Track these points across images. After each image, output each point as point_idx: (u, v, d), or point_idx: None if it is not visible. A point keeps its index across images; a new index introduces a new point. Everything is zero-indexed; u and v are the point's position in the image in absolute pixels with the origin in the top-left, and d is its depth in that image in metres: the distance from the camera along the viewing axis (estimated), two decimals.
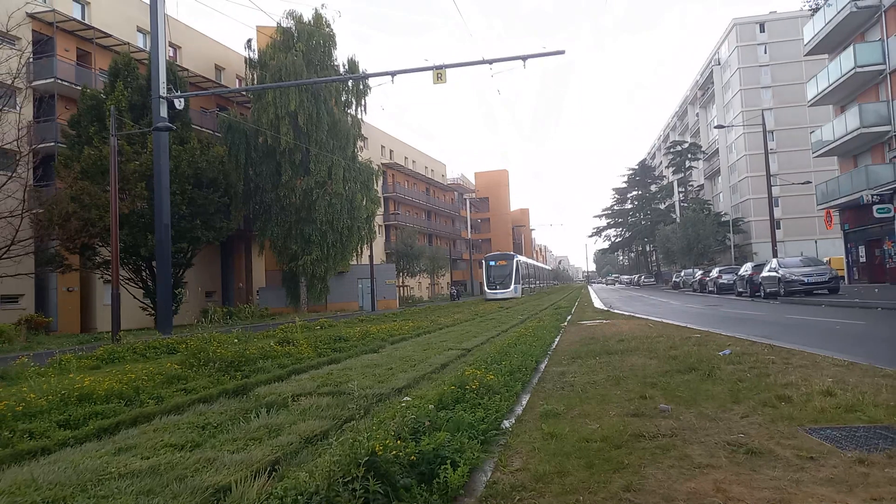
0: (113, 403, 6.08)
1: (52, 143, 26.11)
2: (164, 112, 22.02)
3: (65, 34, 28.39)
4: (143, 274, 26.51)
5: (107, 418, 5.51)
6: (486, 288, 47.94)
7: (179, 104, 23.65)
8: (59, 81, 27.17)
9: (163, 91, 22.10)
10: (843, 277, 32.33)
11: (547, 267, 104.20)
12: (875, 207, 28.25)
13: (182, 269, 27.85)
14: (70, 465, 4.00)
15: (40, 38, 27.14)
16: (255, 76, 35.21)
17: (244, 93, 37.33)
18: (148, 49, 27.79)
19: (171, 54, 32.74)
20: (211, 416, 5.54)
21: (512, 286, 46.33)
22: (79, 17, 29.19)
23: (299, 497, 2.94)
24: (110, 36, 29.57)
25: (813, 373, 6.19)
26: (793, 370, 6.40)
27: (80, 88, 26.48)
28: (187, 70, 33.11)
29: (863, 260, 33.50)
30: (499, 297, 44.44)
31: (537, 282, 65.59)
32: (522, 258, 54.81)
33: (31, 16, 26.37)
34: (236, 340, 9.99)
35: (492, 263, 48.72)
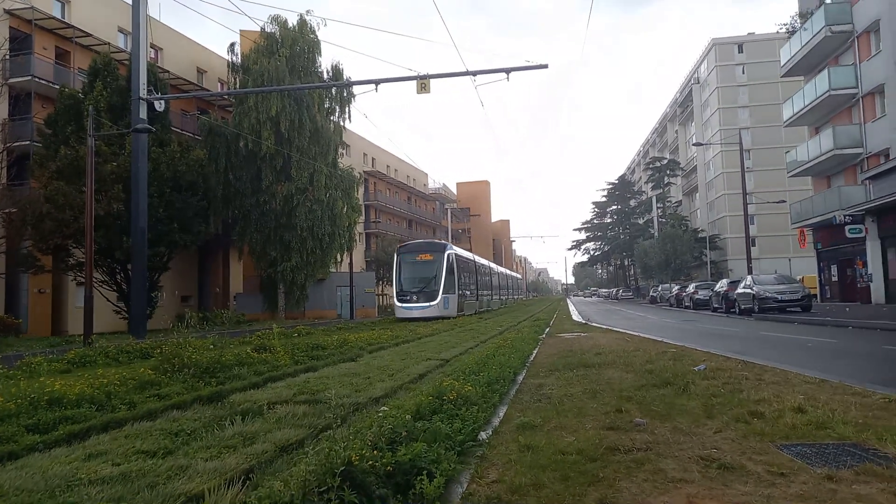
0: (84, 408, 5.96)
1: (28, 142, 25.68)
2: (143, 114, 21.77)
3: (43, 32, 27.99)
4: (118, 277, 26.11)
5: (77, 423, 5.41)
6: (395, 299, 30.07)
7: (160, 106, 23.39)
8: (37, 80, 26.75)
9: (143, 92, 21.85)
10: (815, 296, 32.97)
11: (514, 274, 77.44)
12: (847, 228, 28.86)
13: (158, 273, 27.48)
14: (38, 471, 3.92)
15: (18, 35, 26.71)
16: (237, 80, 35.00)
17: (226, 97, 37.08)
18: (129, 50, 27.54)
19: (153, 56, 32.44)
20: (184, 422, 5.46)
21: (439, 297, 28.63)
22: (58, 16, 28.82)
23: None
24: (90, 35, 29.21)
25: (785, 389, 6.29)
26: (765, 386, 6.50)
27: (57, 87, 26.12)
28: (168, 72, 32.83)
29: (835, 279, 34.16)
30: (415, 315, 27.90)
31: (497, 293, 48.66)
32: (462, 252, 35.75)
33: (9, 12, 25.96)
34: (212, 346, 9.86)
35: (408, 258, 30.26)
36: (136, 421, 5.59)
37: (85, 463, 4.16)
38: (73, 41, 29.03)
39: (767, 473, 3.65)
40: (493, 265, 50.59)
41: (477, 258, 41.23)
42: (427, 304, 28.46)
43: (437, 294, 28.72)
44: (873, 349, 11.68)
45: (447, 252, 30.06)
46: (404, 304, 29.00)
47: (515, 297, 68.32)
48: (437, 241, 39.84)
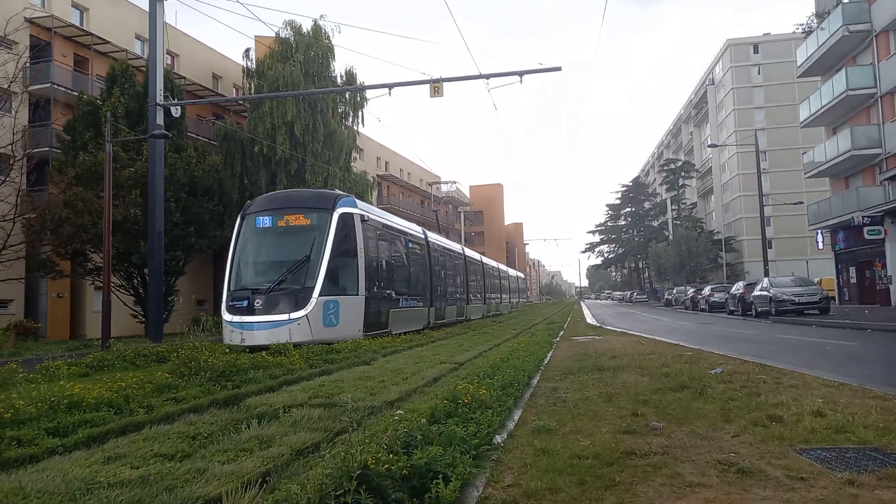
0: (102, 412, 6.02)
1: (47, 149, 26.03)
2: (160, 119, 22.01)
3: (63, 39, 28.41)
4: (135, 281, 26.37)
5: (96, 426, 5.46)
6: (223, 305, 14.82)
7: (176, 112, 23.63)
8: (56, 87, 27.14)
9: (160, 98, 22.09)
10: (833, 298, 32.59)
11: (514, 272, 57.78)
12: (866, 229, 28.53)
13: (174, 277, 27.71)
14: (58, 474, 3.96)
15: (38, 43, 27.14)
16: (252, 86, 35.28)
17: (241, 102, 37.38)
18: (145, 56, 27.85)
19: (169, 62, 32.79)
20: (201, 426, 5.50)
21: (312, 302, 14.03)
22: (77, 23, 29.24)
23: None
24: (108, 42, 29.61)
25: (803, 393, 6.22)
26: (784, 390, 6.43)
27: (76, 94, 26.46)
28: (184, 78, 33.16)
29: (853, 281, 33.74)
30: (260, 339, 13.40)
31: (479, 295, 33.58)
32: (383, 216, 20.10)
33: (30, 20, 26.38)
34: (227, 350, 9.94)
35: (260, 223, 15.46)
36: (154, 424, 5.64)
37: (104, 466, 4.20)
38: (91, 48, 29.43)
39: (787, 478, 3.61)
40: (469, 252, 33.20)
41: (430, 235, 24.51)
42: (282, 316, 13.87)
43: (310, 295, 14.13)
44: (893, 352, 11.51)
45: (340, 211, 15.29)
46: (236, 318, 14.10)
47: (516, 300, 53.47)
48: (320, 190, 22.15)
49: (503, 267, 49.19)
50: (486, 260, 39.29)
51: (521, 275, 67.39)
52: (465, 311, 29.19)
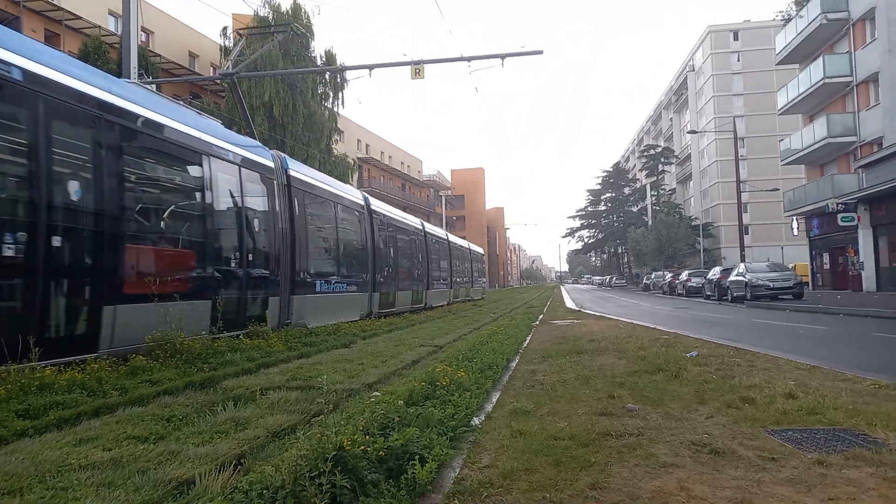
0: (75, 394, 5.91)
1: None
2: None
3: (32, 14, 27.59)
4: None
5: (68, 408, 5.36)
6: None
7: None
8: None
9: (134, 77, 21.53)
10: (807, 283, 33.18)
11: (458, 241, 35.05)
12: (840, 216, 29.02)
13: None
14: (28, 456, 3.89)
15: (5, 17, 26.33)
16: (229, 64, 34.69)
17: (218, 81, 36.73)
18: (119, 33, 27.21)
19: (144, 39, 32.07)
20: (176, 408, 5.43)
21: None
22: None
23: (264, 491, 2.90)
24: (80, 18, 28.84)
25: (776, 375, 6.32)
26: (757, 372, 6.54)
27: None
28: (160, 56, 32.48)
29: (827, 267, 34.37)
30: None
31: (364, 274, 16.91)
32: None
33: None
34: (204, 332, 9.81)
35: None
36: (128, 406, 5.56)
37: (75, 448, 4.13)
38: (62, 24, 28.65)
39: (758, 458, 3.66)
40: (333, 184, 17.29)
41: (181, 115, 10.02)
42: None
43: None
44: (864, 336, 11.76)
45: None
46: None
47: (468, 286, 36.18)
48: None
49: (435, 229, 31.36)
50: (380, 206, 20.70)
51: (480, 249, 45.43)
52: (291, 307, 12.84)
